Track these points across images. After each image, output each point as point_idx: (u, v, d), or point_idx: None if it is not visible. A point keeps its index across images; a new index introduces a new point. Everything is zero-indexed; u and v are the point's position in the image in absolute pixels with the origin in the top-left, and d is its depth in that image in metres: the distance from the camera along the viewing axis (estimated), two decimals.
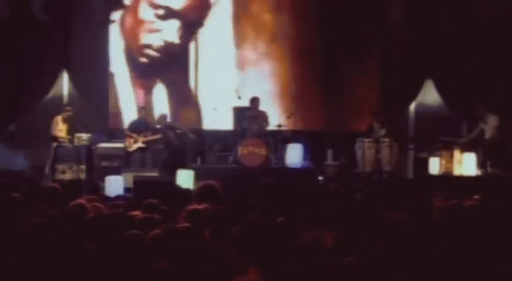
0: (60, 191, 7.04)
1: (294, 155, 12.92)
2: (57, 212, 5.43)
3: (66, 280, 4.19)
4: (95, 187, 10.37)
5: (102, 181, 11.16)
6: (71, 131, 12.96)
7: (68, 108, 13.14)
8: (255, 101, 13.41)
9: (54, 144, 12.78)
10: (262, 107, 13.50)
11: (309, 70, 14.60)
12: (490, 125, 12.42)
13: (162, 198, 6.51)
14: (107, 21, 14.34)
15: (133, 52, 14.57)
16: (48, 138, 12.92)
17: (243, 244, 4.64)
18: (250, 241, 4.69)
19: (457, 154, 12.06)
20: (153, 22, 14.56)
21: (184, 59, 14.53)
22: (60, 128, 12.93)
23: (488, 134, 12.42)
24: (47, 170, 12.75)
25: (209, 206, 5.44)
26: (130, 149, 12.94)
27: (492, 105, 12.65)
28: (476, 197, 6.91)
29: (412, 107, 14.57)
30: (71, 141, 12.87)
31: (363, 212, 6.41)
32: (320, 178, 12.81)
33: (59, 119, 12.96)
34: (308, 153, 13.14)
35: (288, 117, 13.42)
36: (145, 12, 14.60)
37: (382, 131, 13.08)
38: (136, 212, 5.59)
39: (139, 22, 14.61)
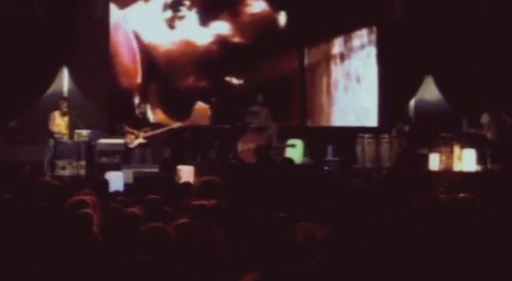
0: (60, 187, 7.04)
1: (294, 151, 12.91)
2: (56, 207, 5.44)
3: (65, 274, 4.19)
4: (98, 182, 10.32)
5: (102, 176, 11.15)
6: (70, 126, 12.95)
7: (61, 101, 13.12)
8: (259, 97, 13.45)
9: (51, 141, 12.76)
10: None
11: None
12: (483, 121, 12.46)
13: (162, 194, 6.51)
14: None
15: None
16: (47, 135, 12.91)
17: (241, 240, 4.64)
18: (248, 238, 4.69)
19: (457, 149, 12.05)
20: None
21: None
22: (57, 123, 12.90)
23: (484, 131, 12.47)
24: (45, 166, 12.75)
25: (211, 202, 5.44)
26: (131, 145, 12.93)
27: (492, 100, 12.65)
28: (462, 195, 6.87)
29: (412, 103, 14.57)
30: (71, 137, 12.86)
31: (365, 208, 6.41)
32: (326, 167, 12.85)
33: (56, 114, 12.94)
34: (308, 149, 13.16)
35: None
36: None
37: (406, 127, 13.14)
38: (136, 208, 5.60)
39: None
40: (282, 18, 14.48)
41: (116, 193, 8.39)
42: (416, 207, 5.98)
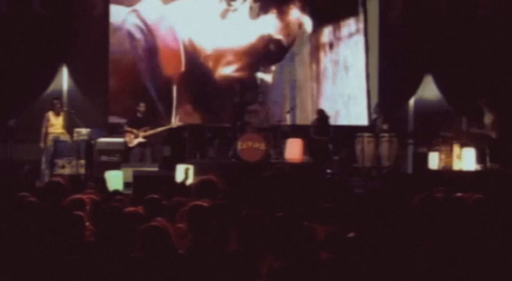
0: (61, 186, 7.02)
1: (293, 150, 12.91)
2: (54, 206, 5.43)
3: (64, 273, 4.19)
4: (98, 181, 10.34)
5: (102, 175, 11.16)
6: (68, 125, 12.95)
7: (55, 101, 13.11)
8: (259, 96, 13.47)
9: (50, 142, 12.74)
10: None
11: None
12: (486, 121, 12.44)
13: (162, 193, 6.51)
14: None
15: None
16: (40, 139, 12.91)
17: (241, 238, 4.64)
18: (248, 236, 4.69)
19: (456, 148, 12.05)
20: None
21: None
22: (52, 123, 12.89)
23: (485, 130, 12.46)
24: (43, 166, 12.74)
25: (209, 202, 5.44)
26: (131, 145, 12.94)
27: (491, 100, 12.64)
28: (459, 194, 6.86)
29: (412, 102, 14.57)
30: (70, 135, 12.86)
31: (363, 207, 6.40)
32: (328, 171, 12.83)
33: (50, 114, 12.93)
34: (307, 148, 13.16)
35: (288, 112, 13.43)
36: None
37: (385, 126, 13.12)
38: (136, 207, 5.59)
39: None
40: (308, 24, 14.58)
41: (116, 192, 8.38)
42: (415, 206, 5.98)
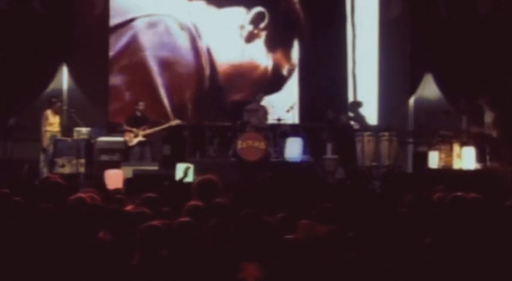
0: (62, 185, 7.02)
1: (293, 149, 12.92)
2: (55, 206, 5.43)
3: (66, 273, 4.19)
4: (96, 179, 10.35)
5: (102, 174, 11.17)
6: (66, 124, 12.94)
7: (54, 99, 13.09)
8: (258, 95, 13.48)
9: (48, 140, 12.73)
10: None
11: None
12: (486, 120, 12.44)
13: (161, 192, 6.51)
14: None
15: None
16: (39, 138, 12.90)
17: (241, 239, 4.63)
18: (248, 236, 4.68)
19: (456, 147, 12.06)
20: None
21: None
22: (51, 122, 12.88)
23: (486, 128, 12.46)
24: (41, 165, 12.73)
25: (209, 201, 5.44)
26: (131, 144, 12.95)
27: (491, 99, 12.64)
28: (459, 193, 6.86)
29: (412, 100, 14.58)
30: (68, 134, 12.85)
31: (362, 206, 6.40)
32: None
33: (49, 112, 12.92)
34: (307, 147, 13.15)
35: (288, 111, 13.43)
36: None
37: (354, 122, 13.23)
38: (133, 206, 5.60)
39: None
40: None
41: (115, 191, 8.38)
42: (413, 205, 5.99)
